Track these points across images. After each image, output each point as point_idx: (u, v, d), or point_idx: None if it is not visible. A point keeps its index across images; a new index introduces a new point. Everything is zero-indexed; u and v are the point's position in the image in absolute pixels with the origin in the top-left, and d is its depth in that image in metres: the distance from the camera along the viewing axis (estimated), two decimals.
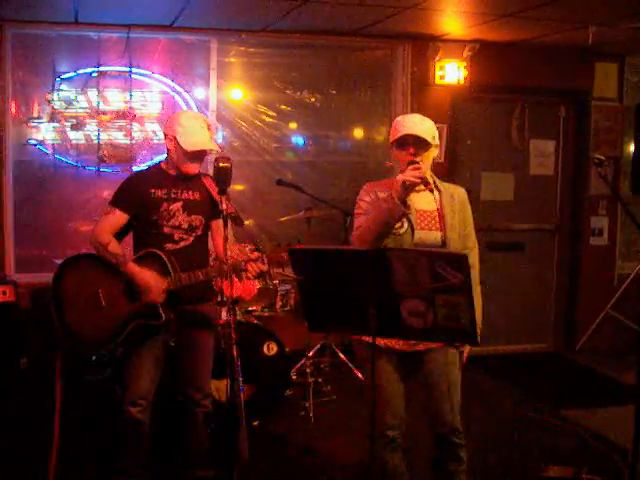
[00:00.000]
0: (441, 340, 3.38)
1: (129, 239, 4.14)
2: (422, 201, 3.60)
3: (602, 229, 7.69)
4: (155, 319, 3.90)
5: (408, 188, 3.34)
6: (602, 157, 4.02)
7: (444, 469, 3.72)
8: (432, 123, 3.60)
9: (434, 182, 3.67)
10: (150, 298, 3.86)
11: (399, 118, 3.65)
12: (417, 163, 3.41)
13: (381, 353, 3.52)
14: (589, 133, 7.54)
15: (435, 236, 3.55)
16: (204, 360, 4.18)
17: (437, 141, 3.60)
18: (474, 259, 3.68)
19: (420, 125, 3.54)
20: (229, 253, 3.56)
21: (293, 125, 7.17)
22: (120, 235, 4.05)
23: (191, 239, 4.02)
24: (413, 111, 7.04)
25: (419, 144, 3.50)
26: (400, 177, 3.37)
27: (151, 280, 3.86)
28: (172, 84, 6.66)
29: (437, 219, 3.59)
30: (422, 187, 3.55)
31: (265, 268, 3.88)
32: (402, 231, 3.48)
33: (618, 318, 7.35)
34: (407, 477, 3.72)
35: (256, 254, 3.85)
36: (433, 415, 3.66)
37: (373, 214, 3.49)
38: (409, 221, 3.51)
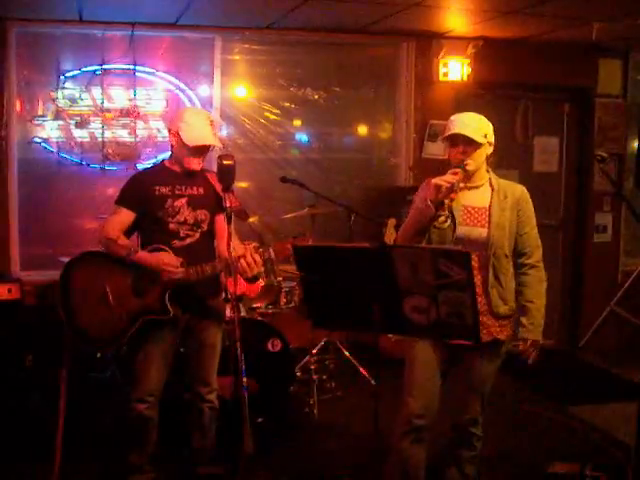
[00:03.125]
0: (443, 337, 3.39)
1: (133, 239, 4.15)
2: (474, 198, 3.65)
3: (606, 226, 7.68)
4: (163, 314, 3.92)
5: (441, 191, 3.41)
6: (604, 154, 4.02)
7: (456, 455, 3.75)
8: (485, 122, 3.65)
9: (490, 179, 3.70)
10: (170, 275, 3.85)
11: (452, 117, 3.67)
12: (461, 167, 3.50)
13: (428, 342, 3.59)
14: (593, 130, 7.54)
15: (480, 232, 3.59)
16: (212, 355, 4.18)
17: (491, 139, 3.64)
18: (537, 259, 3.83)
19: (470, 125, 3.58)
20: (232, 249, 3.57)
21: (297, 122, 7.18)
22: (126, 235, 4.06)
23: (197, 235, 4.03)
24: (417, 108, 7.09)
25: (468, 143, 3.55)
26: (434, 180, 3.45)
27: (165, 257, 3.87)
28: (176, 82, 6.67)
29: (486, 216, 3.63)
30: (475, 184, 3.65)
31: (258, 259, 3.85)
32: (445, 226, 3.56)
33: (622, 315, 7.36)
34: (422, 472, 3.73)
35: (248, 246, 3.84)
36: (459, 404, 3.72)
37: (411, 212, 3.63)
38: (452, 216, 3.55)
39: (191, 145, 3.92)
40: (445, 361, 3.66)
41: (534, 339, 3.76)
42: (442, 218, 3.51)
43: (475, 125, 3.59)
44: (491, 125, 3.67)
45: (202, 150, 4.01)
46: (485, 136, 3.59)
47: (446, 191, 3.41)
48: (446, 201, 3.44)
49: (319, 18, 6.28)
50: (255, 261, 3.81)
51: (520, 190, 3.72)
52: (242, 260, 3.79)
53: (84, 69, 6.44)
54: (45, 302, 5.90)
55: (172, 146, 4.05)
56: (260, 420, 5.11)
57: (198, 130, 3.93)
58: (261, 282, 5.58)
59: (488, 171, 3.72)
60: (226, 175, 3.57)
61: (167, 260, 3.87)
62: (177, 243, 3.98)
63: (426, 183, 3.72)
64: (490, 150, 3.67)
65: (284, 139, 7.09)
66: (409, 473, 3.69)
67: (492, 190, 3.67)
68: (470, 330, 2.95)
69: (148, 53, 6.58)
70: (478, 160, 3.60)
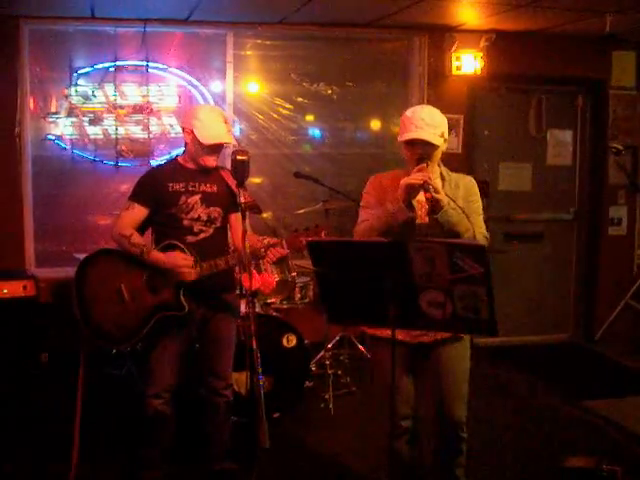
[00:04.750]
0: (460, 331, 3.38)
1: (147, 235, 4.15)
2: None
3: (621, 219, 7.64)
4: (178, 310, 3.93)
5: (412, 192, 3.35)
6: (620, 146, 4.00)
7: (444, 460, 3.71)
8: (441, 117, 3.57)
9: (440, 172, 3.64)
10: (184, 276, 3.87)
11: (408, 113, 3.55)
12: (424, 163, 3.41)
13: (387, 344, 3.52)
14: (607, 122, 7.48)
15: (433, 225, 3.49)
16: (227, 349, 4.20)
17: (447, 135, 3.58)
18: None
19: (428, 125, 3.47)
20: (247, 245, 3.56)
21: (310, 117, 7.17)
22: (139, 231, 4.06)
23: (211, 231, 4.04)
24: (430, 102, 6.99)
25: (427, 145, 3.47)
26: (404, 180, 3.37)
27: (179, 259, 3.88)
28: (189, 78, 6.67)
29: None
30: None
31: (285, 252, 3.89)
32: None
33: (637, 308, 7.32)
34: (425, 469, 3.73)
35: (274, 240, 3.88)
36: (438, 407, 3.65)
37: (378, 213, 3.49)
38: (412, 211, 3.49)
39: (206, 143, 3.93)
40: (407, 356, 3.58)
41: (441, 199, 3.38)
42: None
43: (433, 125, 3.48)
44: (446, 119, 3.60)
45: (217, 148, 4.02)
46: (442, 134, 3.52)
47: (415, 191, 3.34)
48: (437, 196, 3.33)
49: (331, 13, 6.28)
50: (279, 252, 3.89)
51: (469, 179, 3.70)
52: (270, 250, 3.88)
53: (97, 66, 6.45)
54: (60, 299, 5.92)
55: (186, 144, 4.05)
56: (275, 415, 5.12)
57: (213, 128, 3.93)
58: (275, 277, 5.58)
59: (439, 165, 3.66)
60: (240, 170, 3.56)
61: (182, 262, 3.88)
62: (191, 238, 3.99)
63: (374, 179, 3.69)
64: (445, 146, 3.60)
65: (297, 134, 7.08)
66: (415, 472, 3.71)
67: (443, 181, 3.61)
68: (486, 324, 2.93)
69: (160, 49, 6.59)
70: (436, 159, 3.57)
